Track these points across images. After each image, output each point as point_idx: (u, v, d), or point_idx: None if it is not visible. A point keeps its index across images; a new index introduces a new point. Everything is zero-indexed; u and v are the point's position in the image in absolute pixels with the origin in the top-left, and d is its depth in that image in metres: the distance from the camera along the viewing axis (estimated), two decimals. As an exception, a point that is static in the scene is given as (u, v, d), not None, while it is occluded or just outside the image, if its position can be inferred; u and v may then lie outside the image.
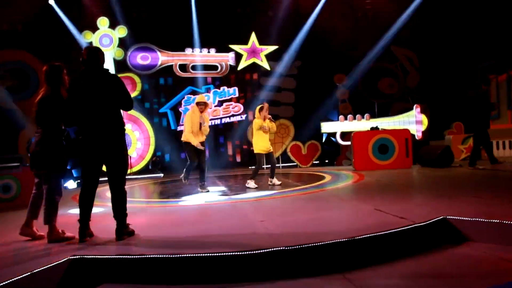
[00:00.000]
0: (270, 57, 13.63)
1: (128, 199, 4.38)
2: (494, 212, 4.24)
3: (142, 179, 11.86)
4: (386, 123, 12.34)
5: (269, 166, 8.16)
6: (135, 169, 12.70)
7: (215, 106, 13.50)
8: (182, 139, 7.53)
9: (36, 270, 3.28)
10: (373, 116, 12.82)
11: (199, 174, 7.62)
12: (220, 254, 3.34)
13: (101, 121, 4.12)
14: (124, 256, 3.50)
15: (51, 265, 3.42)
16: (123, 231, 4.17)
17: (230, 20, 13.20)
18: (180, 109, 13.27)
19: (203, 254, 3.36)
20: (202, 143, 7.43)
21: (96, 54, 4.21)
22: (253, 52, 13.48)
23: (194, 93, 13.39)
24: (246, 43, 13.46)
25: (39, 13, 11.91)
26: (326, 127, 12.46)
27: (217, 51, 13.47)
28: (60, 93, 4.27)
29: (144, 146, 12.71)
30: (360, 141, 9.58)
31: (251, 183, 7.64)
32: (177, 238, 4.14)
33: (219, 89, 13.58)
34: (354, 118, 12.28)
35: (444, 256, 3.62)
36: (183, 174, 7.71)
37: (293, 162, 12.41)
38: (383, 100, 13.35)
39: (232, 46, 13.42)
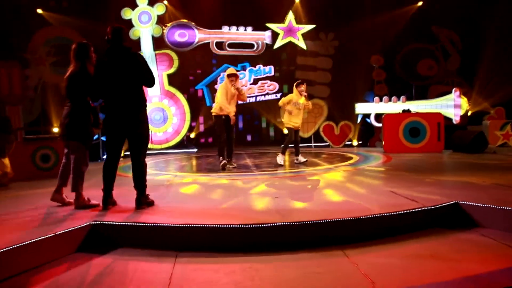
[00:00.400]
0: (306, 36, 13.52)
1: (157, 171, 4.62)
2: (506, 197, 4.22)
3: (177, 153, 12.25)
4: (423, 106, 12.09)
5: (294, 144, 8.13)
6: (171, 143, 13.09)
7: (250, 84, 13.61)
8: (212, 111, 7.59)
9: (59, 232, 3.59)
10: (410, 98, 12.58)
11: (226, 149, 7.68)
12: (222, 225, 3.54)
13: (122, 97, 4.35)
14: (136, 223, 3.75)
15: (73, 228, 3.73)
16: (142, 200, 4.43)
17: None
18: (216, 86, 13.46)
19: (206, 225, 3.56)
20: (228, 116, 7.41)
21: (119, 33, 4.41)
22: (289, 31, 13.42)
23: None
24: (283, 21, 13.40)
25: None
26: (361, 108, 12.36)
27: (253, 30, 13.50)
28: (87, 70, 4.53)
29: (179, 122, 13.04)
30: (391, 124, 9.47)
31: (280, 158, 7.81)
32: (191, 210, 4.36)
33: (255, 67, 13.65)
34: (390, 100, 12.10)
35: (449, 240, 3.67)
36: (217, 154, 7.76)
37: (326, 142, 12.40)
38: (421, 82, 13.01)
39: (268, 25, 13.41)
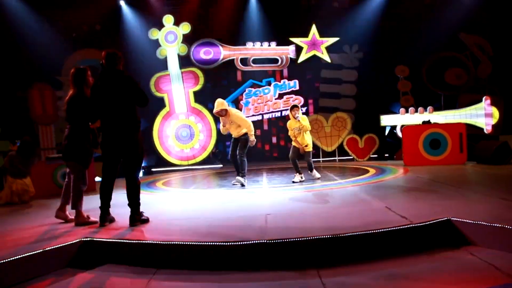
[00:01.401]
0: (330, 49, 13.50)
1: (171, 187, 4.73)
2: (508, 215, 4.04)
3: (202, 169, 12.48)
4: (451, 116, 11.74)
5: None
6: (198, 159, 13.34)
7: (275, 99, 13.71)
8: None
9: (48, 248, 3.79)
10: (438, 108, 12.24)
11: (235, 166, 7.70)
12: (198, 243, 3.61)
13: (116, 119, 4.54)
14: (119, 240, 3.90)
15: (63, 244, 3.93)
16: (136, 218, 4.58)
17: (290, 13, 13.30)
18: (241, 102, 13.67)
19: (182, 242, 3.64)
20: (237, 139, 7.52)
21: (112, 57, 4.64)
22: (313, 45, 13.45)
23: (254, 86, 13.73)
24: (306, 35, 13.45)
25: (111, 14, 12.94)
26: (386, 120, 12.15)
27: (277, 45, 13.64)
28: (85, 94, 4.77)
29: (206, 138, 13.29)
30: (410, 136, 9.25)
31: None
32: (183, 226, 4.46)
33: (280, 82, 13.75)
34: (416, 111, 11.83)
35: (432, 259, 3.56)
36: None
37: (350, 155, 12.25)
38: (450, 92, 12.64)
39: (292, 39, 13.50)
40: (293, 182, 7.56)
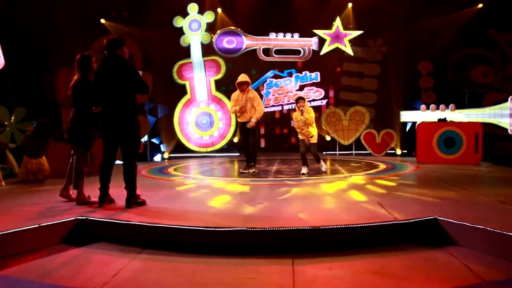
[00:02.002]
0: (354, 42, 13.36)
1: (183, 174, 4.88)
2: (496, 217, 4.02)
3: (219, 157, 12.66)
4: (474, 114, 11.47)
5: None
6: (217, 147, 13.54)
7: (296, 90, 13.71)
8: None
9: (44, 224, 4.02)
10: (462, 106, 11.97)
11: (245, 154, 7.82)
12: (180, 226, 3.76)
13: (114, 104, 4.73)
14: (110, 220, 4.09)
15: (59, 221, 4.15)
16: (132, 200, 4.77)
17: (315, 4, 13.23)
18: (262, 92, 13.74)
19: (165, 225, 3.80)
20: (245, 123, 7.54)
21: (113, 44, 4.79)
22: (336, 37, 13.34)
23: (276, 76, 13.77)
24: (330, 28, 13.35)
25: (138, 1, 13.21)
26: (406, 116, 11.99)
27: (300, 36, 13.59)
28: (88, 79, 4.97)
29: (225, 126, 13.45)
30: (425, 133, 9.13)
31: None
32: (175, 210, 4.62)
33: (301, 73, 13.73)
34: (438, 108, 11.61)
35: (410, 257, 3.58)
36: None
37: (367, 150, 12.17)
38: (475, 90, 12.32)
39: (315, 31, 13.42)
40: (302, 174, 7.60)
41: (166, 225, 3.86)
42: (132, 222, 3.99)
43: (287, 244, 3.65)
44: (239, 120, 7.70)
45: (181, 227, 3.80)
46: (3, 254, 3.62)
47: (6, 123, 9.73)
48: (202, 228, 3.73)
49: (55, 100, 11.55)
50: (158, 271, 3.31)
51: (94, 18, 13.16)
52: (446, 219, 3.96)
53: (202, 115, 13.50)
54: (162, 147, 13.48)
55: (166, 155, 12.85)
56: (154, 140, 13.40)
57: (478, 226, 3.67)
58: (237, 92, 7.60)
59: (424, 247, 3.80)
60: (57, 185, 6.64)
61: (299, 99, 7.68)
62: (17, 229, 3.81)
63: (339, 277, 3.15)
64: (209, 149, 13.50)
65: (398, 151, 12.26)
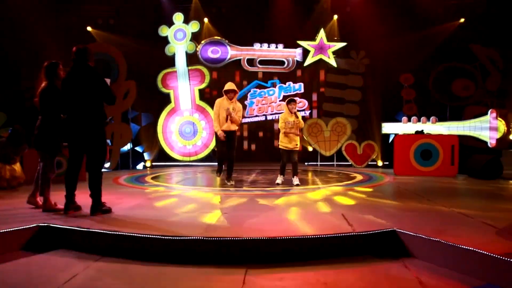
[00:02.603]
0: (337, 54, 13.49)
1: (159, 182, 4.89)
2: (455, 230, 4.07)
3: (201, 166, 12.67)
4: (455, 127, 11.61)
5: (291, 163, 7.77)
6: (199, 156, 13.55)
7: (279, 101, 13.79)
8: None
9: (2, 231, 4.01)
10: (443, 119, 12.11)
11: (227, 165, 7.67)
12: (135, 234, 3.78)
13: (81, 112, 4.75)
14: (72, 228, 4.09)
15: (19, 228, 4.15)
16: (97, 208, 4.77)
17: (299, 16, 13.37)
18: (246, 102, 13.80)
19: (123, 233, 3.81)
20: (230, 132, 7.37)
21: (83, 52, 4.83)
22: (320, 49, 13.46)
23: (260, 87, 13.85)
24: (314, 39, 13.48)
25: (124, 9, 13.29)
26: (388, 127, 12.09)
27: (284, 47, 13.71)
28: (55, 86, 4.98)
29: (208, 136, 13.47)
30: (402, 145, 9.20)
31: (279, 179, 7.71)
32: (138, 219, 4.62)
33: (285, 84, 13.82)
34: (419, 120, 11.72)
35: (364, 269, 3.59)
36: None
37: (348, 161, 12.24)
38: (456, 103, 12.48)
39: (300, 42, 13.54)
40: (277, 184, 7.59)
41: (124, 233, 3.87)
42: (91, 230, 4.00)
43: (242, 255, 3.66)
44: (217, 129, 7.42)
45: (138, 235, 3.81)
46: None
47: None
48: (158, 237, 3.75)
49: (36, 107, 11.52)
50: (110, 279, 3.32)
51: (80, 26, 13.20)
52: (404, 231, 4.00)
53: (186, 124, 13.53)
54: (146, 156, 13.46)
55: (148, 164, 12.82)
56: (137, 148, 13.39)
57: (433, 239, 3.72)
58: (223, 99, 7.46)
59: (381, 259, 3.82)
60: (28, 192, 6.66)
61: (291, 101, 7.53)
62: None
63: (286, 287, 3.17)
64: (192, 158, 13.51)
65: (380, 163, 12.34)
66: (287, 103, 7.57)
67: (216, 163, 8.09)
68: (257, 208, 5.42)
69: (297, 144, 7.54)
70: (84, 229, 4.03)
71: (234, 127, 7.49)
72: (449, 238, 3.67)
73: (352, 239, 3.95)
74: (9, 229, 4.07)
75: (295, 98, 7.80)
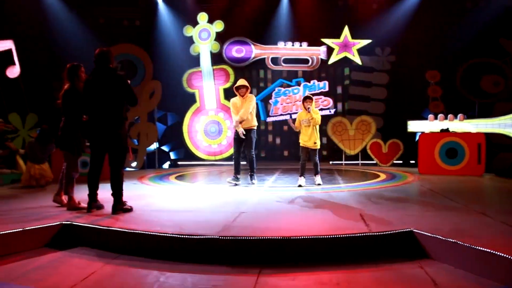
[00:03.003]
0: (362, 51, 13.33)
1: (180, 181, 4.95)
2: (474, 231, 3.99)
3: (226, 165, 12.76)
4: (483, 124, 11.28)
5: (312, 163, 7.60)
6: (225, 155, 13.65)
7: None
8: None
9: (28, 228, 4.18)
10: (472, 116, 11.81)
11: (248, 164, 7.62)
12: (153, 233, 3.86)
13: (103, 113, 4.87)
14: (94, 226, 4.23)
15: (43, 225, 4.31)
16: (118, 207, 4.90)
17: (323, 13, 13.29)
18: (270, 101, 13.80)
19: (137, 231, 3.90)
20: (246, 131, 7.33)
21: (105, 55, 4.96)
22: (345, 46, 13.33)
23: (284, 85, 13.83)
24: (338, 37, 13.36)
25: (149, 10, 13.52)
26: (413, 126, 11.87)
27: (308, 45, 13.64)
28: (78, 88, 5.13)
29: (233, 135, 13.50)
30: (427, 143, 9.03)
31: (300, 180, 7.41)
32: (158, 218, 4.72)
33: (309, 82, 13.74)
34: (446, 118, 11.46)
35: (379, 269, 3.58)
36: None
37: (373, 160, 12.09)
38: (485, 99, 12.13)
39: (324, 40, 13.44)
40: (299, 186, 7.31)
41: (141, 231, 3.96)
42: (110, 228, 4.12)
43: (256, 254, 3.70)
44: (237, 128, 7.44)
45: (155, 233, 3.89)
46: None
47: (18, 129, 10.07)
48: (175, 235, 3.82)
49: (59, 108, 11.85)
50: (127, 276, 3.40)
51: (107, 27, 13.49)
52: (421, 232, 3.94)
53: (211, 123, 13.64)
54: (171, 155, 13.66)
55: (173, 163, 13.00)
56: (163, 148, 13.60)
57: (450, 240, 3.66)
58: (236, 97, 7.53)
59: (397, 260, 3.79)
60: (55, 191, 6.89)
61: (307, 98, 7.39)
62: (1, 232, 3.96)
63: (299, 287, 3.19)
64: (217, 157, 13.61)
65: (405, 162, 12.12)
66: (303, 101, 7.44)
67: (242, 162, 7.89)
68: (276, 207, 5.44)
69: (315, 142, 7.36)
70: (103, 227, 4.15)
71: (247, 125, 7.42)
72: (467, 239, 3.60)
73: (367, 240, 3.92)
74: (34, 227, 4.24)
75: (311, 95, 7.55)
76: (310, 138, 7.33)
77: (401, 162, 12.07)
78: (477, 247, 3.40)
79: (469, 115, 11.66)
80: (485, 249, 3.33)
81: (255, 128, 7.56)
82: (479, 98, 12.21)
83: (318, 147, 7.48)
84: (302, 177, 7.46)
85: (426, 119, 11.83)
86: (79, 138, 5.23)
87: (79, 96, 5.11)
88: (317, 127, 7.41)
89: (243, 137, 7.41)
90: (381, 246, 3.94)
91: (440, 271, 3.48)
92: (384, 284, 3.27)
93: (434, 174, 8.79)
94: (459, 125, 10.95)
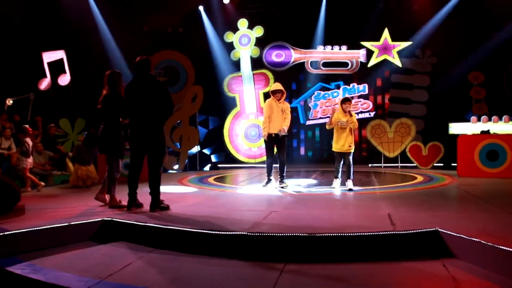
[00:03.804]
0: (402, 54, 13.20)
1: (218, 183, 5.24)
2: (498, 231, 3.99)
3: (264, 168, 12.94)
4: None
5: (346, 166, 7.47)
6: (264, 158, 13.82)
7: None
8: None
9: (73, 223, 4.55)
10: (517, 118, 11.43)
11: (279, 167, 7.63)
12: (186, 229, 4.12)
13: (144, 118, 5.21)
14: (132, 222, 4.54)
15: (86, 221, 4.68)
16: (156, 205, 5.21)
17: (363, 16, 13.29)
18: (310, 104, 13.91)
19: (170, 227, 4.17)
20: (279, 132, 7.34)
21: (146, 63, 5.29)
22: (384, 49, 13.25)
23: (324, 89, 13.91)
24: (378, 39, 13.30)
25: (192, 18, 14.01)
26: (455, 128, 11.63)
27: (348, 48, 13.66)
28: (117, 93, 5.49)
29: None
30: (466, 145, 8.86)
31: (335, 182, 7.41)
32: (193, 216, 4.97)
33: (349, 85, 13.74)
34: (490, 120, 11.16)
35: (401, 267, 3.66)
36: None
37: (412, 162, 11.94)
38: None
39: (363, 43, 13.43)
40: (333, 188, 7.34)
41: (174, 227, 4.23)
42: (146, 224, 4.41)
43: (280, 251, 3.87)
44: (268, 132, 7.48)
45: (187, 229, 4.15)
46: (36, 247, 4.16)
47: (68, 133, 10.73)
48: (205, 231, 4.06)
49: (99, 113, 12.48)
50: (159, 268, 3.67)
51: (150, 36, 14.07)
52: (446, 231, 3.98)
53: (251, 127, 13.91)
54: (213, 158, 14.03)
55: (214, 166, 13.37)
56: (205, 151, 14.00)
57: (473, 239, 3.68)
58: (271, 100, 7.56)
59: (420, 258, 3.85)
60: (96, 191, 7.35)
61: (346, 100, 7.30)
62: (50, 226, 4.36)
63: (319, 285, 3.32)
64: (257, 160, 13.85)
65: (446, 164, 11.88)
66: (341, 103, 7.33)
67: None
68: (307, 207, 5.59)
69: (350, 146, 7.24)
70: (140, 223, 4.45)
71: (282, 126, 7.37)
72: (492, 239, 3.61)
73: (392, 238, 3.99)
74: (79, 222, 4.61)
75: (350, 98, 7.50)
76: (345, 142, 7.21)
77: (441, 165, 11.84)
78: (499, 246, 3.41)
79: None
80: (507, 248, 3.35)
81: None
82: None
83: (353, 150, 7.36)
84: (337, 179, 7.44)
85: (469, 121, 11.57)
86: (119, 141, 5.58)
87: (119, 101, 5.46)
88: (353, 130, 7.32)
89: (285, 133, 7.42)
90: (406, 245, 4.00)
91: (463, 270, 3.51)
92: (404, 280, 3.35)
93: (473, 177, 8.61)
94: (504, 127, 10.64)
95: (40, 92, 10.69)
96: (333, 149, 7.47)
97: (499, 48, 11.80)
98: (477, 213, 4.97)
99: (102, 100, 5.61)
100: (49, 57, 10.80)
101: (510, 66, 11.90)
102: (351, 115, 7.24)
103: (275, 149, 7.64)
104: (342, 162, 7.41)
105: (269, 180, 7.70)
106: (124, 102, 5.38)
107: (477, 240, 3.65)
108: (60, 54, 10.92)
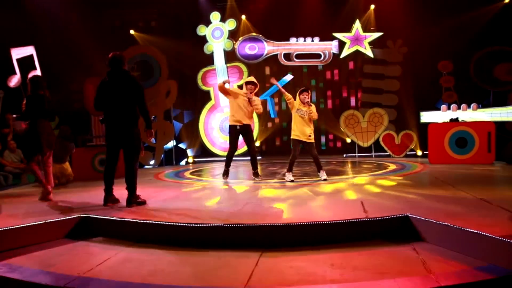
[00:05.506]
0: (374, 44, 13.42)
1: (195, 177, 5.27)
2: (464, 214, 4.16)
3: (242, 161, 13.06)
4: (497, 113, 11.27)
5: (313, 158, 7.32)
6: (240, 151, 13.89)
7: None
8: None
9: (49, 220, 4.53)
10: (487, 106, 11.79)
11: (250, 160, 7.67)
12: (162, 223, 4.15)
13: (119, 113, 5.20)
14: (109, 218, 4.54)
15: (63, 218, 4.66)
16: (132, 200, 5.23)
17: (334, 8, 13.43)
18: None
19: (150, 221, 4.20)
20: (244, 126, 7.46)
21: (119, 58, 5.26)
22: (356, 40, 13.44)
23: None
24: (349, 31, 13.47)
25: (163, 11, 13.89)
26: (426, 116, 11.91)
27: (320, 40, 13.79)
28: (39, 95, 5.90)
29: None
30: (436, 133, 9.12)
31: (287, 176, 7.23)
32: (170, 210, 5.01)
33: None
34: (459, 108, 11.48)
35: (373, 252, 3.75)
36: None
37: (386, 151, 12.20)
38: (500, 88, 12.08)
39: (335, 34, 13.58)
40: (291, 181, 7.16)
41: (152, 222, 4.26)
42: (124, 219, 4.43)
43: (257, 240, 3.95)
44: (233, 123, 7.57)
45: (164, 223, 4.19)
46: (11, 246, 4.13)
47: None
48: (182, 224, 4.11)
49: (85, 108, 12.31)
50: (138, 262, 3.69)
51: (123, 29, 13.90)
52: (416, 216, 4.13)
53: (226, 120, 13.89)
54: (188, 152, 14.02)
55: (190, 160, 13.37)
56: (180, 145, 13.96)
57: (441, 223, 3.84)
58: (243, 90, 7.60)
59: (391, 243, 3.98)
60: (77, 188, 7.30)
61: (303, 91, 7.09)
62: (25, 225, 4.32)
63: (295, 267, 3.43)
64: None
65: (419, 152, 12.20)
66: (299, 94, 7.11)
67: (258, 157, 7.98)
68: (281, 198, 5.68)
69: (310, 136, 7.07)
70: (117, 219, 4.47)
71: (248, 121, 7.50)
72: (459, 222, 3.78)
73: (364, 225, 4.13)
74: (55, 219, 4.58)
75: (307, 88, 7.41)
76: (305, 130, 7.05)
77: (414, 153, 12.14)
78: (464, 228, 3.58)
79: (484, 104, 11.65)
80: (472, 230, 3.51)
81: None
82: (493, 87, 12.16)
83: (313, 140, 7.20)
84: (290, 172, 7.26)
85: (439, 109, 11.87)
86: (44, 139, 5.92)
87: (41, 103, 5.83)
88: (312, 121, 7.16)
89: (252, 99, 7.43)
90: (378, 231, 4.14)
91: (431, 252, 3.65)
92: (376, 263, 3.47)
93: (444, 164, 8.88)
94: (473, 114, 10.97)
95: (10, 89, 10.44)
96: (292, 136, 7.23)
97: (467, 37, 12.10)
98: (445, 198, 5.16)
99: (26, 102, 5.79)
100: (18, 53, 10.54)
101: (477, 55, 12.20)
102: (310, 105, 7.09)
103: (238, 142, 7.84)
104: (297, 155, 7.23)
105: (226, 171, 7.76)
106: (98, 97, 5.35)
107: (444, 223, 3.80)
108: (29, 50, 10.67)
